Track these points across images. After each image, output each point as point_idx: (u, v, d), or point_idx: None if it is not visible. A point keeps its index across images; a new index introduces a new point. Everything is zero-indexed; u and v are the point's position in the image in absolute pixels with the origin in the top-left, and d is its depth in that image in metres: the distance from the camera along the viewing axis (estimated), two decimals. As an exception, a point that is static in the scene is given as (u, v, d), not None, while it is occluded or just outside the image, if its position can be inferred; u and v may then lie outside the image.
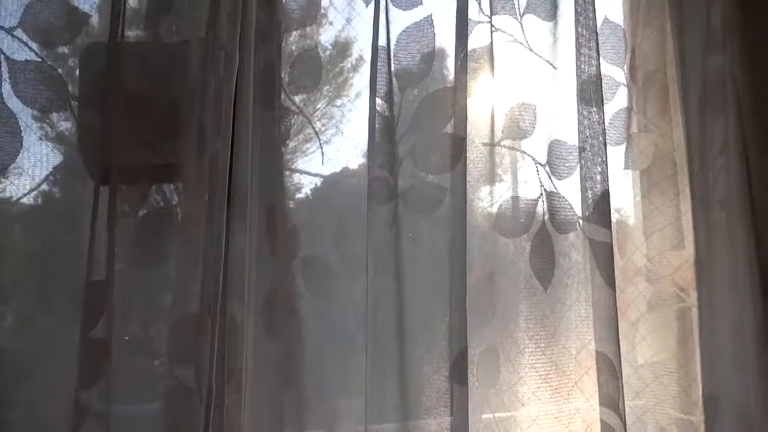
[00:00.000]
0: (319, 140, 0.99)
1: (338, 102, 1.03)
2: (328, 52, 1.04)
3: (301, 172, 1.00)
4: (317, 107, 1.01)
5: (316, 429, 0.89)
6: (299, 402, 0.88)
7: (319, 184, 1.01)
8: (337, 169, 1.03)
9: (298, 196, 1.01)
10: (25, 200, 0.86)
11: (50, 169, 0.87)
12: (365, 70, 0.98)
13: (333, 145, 1.01)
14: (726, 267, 1.08)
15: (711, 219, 1.10)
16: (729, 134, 1.11)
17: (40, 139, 0.87)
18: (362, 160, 1.00)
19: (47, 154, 0.87)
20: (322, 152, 1.00)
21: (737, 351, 1.06)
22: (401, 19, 0.98)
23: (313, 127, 0.98)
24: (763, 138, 1.10)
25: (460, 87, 0.96)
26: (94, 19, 0.91)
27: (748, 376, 1.05)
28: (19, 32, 0.86)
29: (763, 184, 1.10)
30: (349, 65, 1.05)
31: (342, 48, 1.05)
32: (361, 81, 1.01)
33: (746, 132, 1.11)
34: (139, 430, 0.83)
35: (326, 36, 1.04)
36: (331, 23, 1.03)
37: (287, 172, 0.97)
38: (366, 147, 0.95)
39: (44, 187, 0.87)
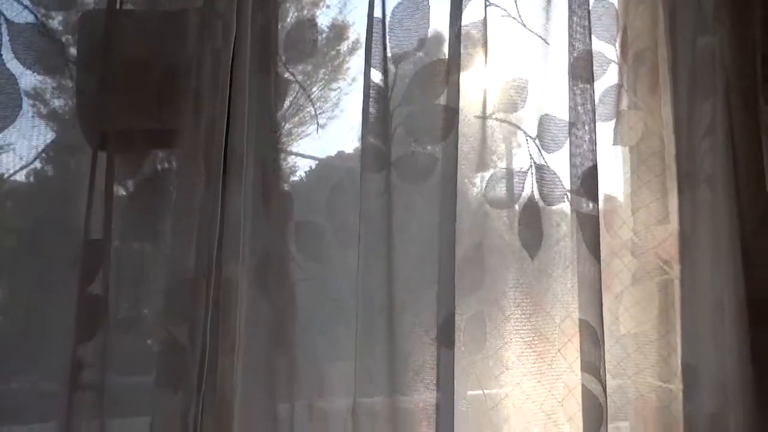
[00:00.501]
0: (317, 122, 1.01)
1: (334, 85, 1.05)
2: (324, 35, 1.05)
3: (297, 154, 1.03)
4: (313, 90, 1.03)
5: (306, 390, 0.92)
6: (290, 363, 0.91)
7: (314, 166, 1.04)
8: (332, 153, 1.05)
9: (293, 179, 1.03)
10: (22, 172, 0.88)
11: (47, 141, 0.89)
12: (362, 53, 0.99)
13: (328, 129, 1.03)
14: (710, 243, 1.11)
15: (697, 196, 1.13)
16: (716, 114, 1.13)
17: (34, 107, 0.88)
18: (358, 144, 1.00)
19: (42, 126, 0.89)
20: (318, 128, 1.01)
21: (716, 324, 1.10)
22: (396, -9, 0.99)
23: (309, 98, 0.99)
24: (748, 119, 1.13)
25: (453, 60, 0.98)
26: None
27: (726, 348, 1.09)
28: (19, -5, 0.87)
29: (747, 163, 1.13)
30: (345, 48, 1.07)
31: (339, 31, 1.06)
32: (357, 65, 1.02)
33: (732, 113, 1.14)
34: (133, 384, 0.86)
35: (323, 19, 1.05)
36: (328, 6, 1.05)
37: (283, 155, 0.99)
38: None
39: (43, 153, 0.89)
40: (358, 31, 1.04)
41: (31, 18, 0.87)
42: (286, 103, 1.01)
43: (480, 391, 1.00)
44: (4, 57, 0.84)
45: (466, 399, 0.99)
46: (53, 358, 0.82)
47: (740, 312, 1.09)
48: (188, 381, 0.83)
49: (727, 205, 1.11)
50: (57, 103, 0.89)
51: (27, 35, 0.87)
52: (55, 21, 0.89)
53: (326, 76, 1.05)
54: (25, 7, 0.87)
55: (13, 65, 0.85)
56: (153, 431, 0.83)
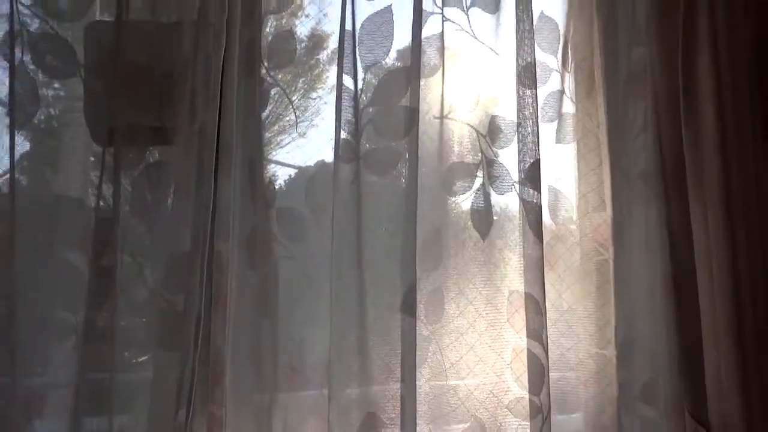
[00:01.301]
0: (297, 126, 1.14)
1: (314, 94, 1.16)
2: (303, 45, 1.16)
3: (277, 162, 1.14)
4: (293, 99, 1.15)
5: (287, 350, 1.05)
6: (273, 327, 1.04)
7: (293, 174, 1.14)
8: (312, 162, 1.15)
9: (278, 192, 1.12)
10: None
11: (62, 134, 1.01)
12: (340, 61, 1.10)
13: (308, 137, 1.14)
14: (643, 228, 1.26)
15: (631, 188, 1.29)
16: (647, 116, 1.30)
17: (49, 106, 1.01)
18: (342, 163, 1.08)
19: (57, 122, 1.02)
20: (294, 108, 1.13)
21: (649, 301, 1.25)
22: (366, 8, 1.14)
23: (286, 94, 1.12)
24: (673, 120, 1.29)
25: (414, 68, 1.13)
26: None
27: (657, 322, 1.24)
28: (36, 8, 1.00)
29: (672, 159, 1.29)
30: (324, 57, 1.17)
31: (318, 40, 1.16)
32: (336, 74, 1.10)
33: (660, 117, 1.30)
34: (137, 345, 0.98)
35: (303, 29, 1.15)
36: (307, 15, 1.16)
37: (270, 167, 1.11)
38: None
39: (59, 145, 1.02)
40: (336, 41, 1.13)
41: (47, 28, 1.00)
42: (266, 111, 1.14)
43: (440, 355, 1.14)
44: (25, 62, 0.97)
45: (427, 362, 1.13)
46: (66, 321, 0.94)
47: (667, 288, 1.25)
48: (184, 342, 0.96)
49: (657, 195, 1.27)
50: (69, 102, 1.01)
51: (44, 43, 1.00)
52: (68, 31, 1.02)
53: (305, 85, 1.17)
54: (42, 19, 1.00)
55: (33, 69, 0.97)
56: (154, 385, 0.95)
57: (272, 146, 1.14)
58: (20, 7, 0.98)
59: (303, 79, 1.17)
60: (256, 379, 1.02)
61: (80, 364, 0.93)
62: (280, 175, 1.14)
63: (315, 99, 1.16)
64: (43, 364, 0.93)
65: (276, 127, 1.14)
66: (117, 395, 0.96)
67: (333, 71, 1.15)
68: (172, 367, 0.94)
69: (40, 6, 1.00)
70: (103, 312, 0.94)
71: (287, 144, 1.13)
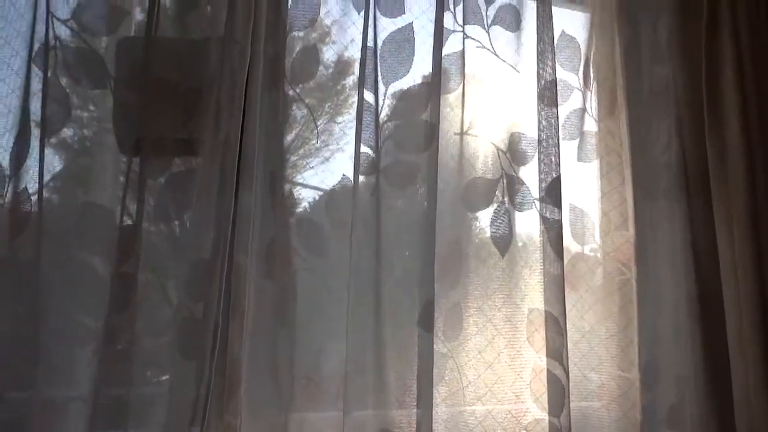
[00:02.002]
0: (318, 137, 1.15)
1: (339, 119, 1.18)
2: (330, 70, 1.18)
3: (302, 185, 1.15)
4: (318, 123, 1.16)
5: (304, 360, 1.05)
6: (290, 338, 1.04)
7: (318, 197, 1.15)
8: (336, 184, 1.14)
9: (298, 210, 1.13)
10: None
11: (90, 145, 1.05)
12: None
13: (333, 162, 1.15)
14: (668, 247, 1.25)
15: (655, 206, 1.28)
16: (671, 134, 1.29)
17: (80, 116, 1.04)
18: (362, 177, 1.10)
19: (87, 132, 1.05)
20: (316, 125, 1.14)
21: (674, 321, 1.23)
22: (387, 26, 1.16)
23: (312, 117, 1.14)
24: (697, 137, 1.28)
25: (434, 84, 1.14)
26: (133, 16, 1.09)
27: (682, 344, 1.22)
28: (72, 23, 1.04)
29: (696, 176, 1.28)
30: (351, 82, 1.18)
31: (344, 66, 1.18)
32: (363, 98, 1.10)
33: (684, 135, 1.29)
34: (157, 351, 0.99)
35: (329, 53, 1.17)
36: (334, 42, 1.18)
37: (288, 185, 1.11)
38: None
39: (86, 154, 1.05)
40: (360, 20, 1.13)
41: (80, 42, 1.04)
42: (292, 135, 1.16)
43: (457, 373, 1.12)
44: (58, 73, 1.01)
45: (444, 380, 1.11)
46: (88, 326, 0.96)
47: (692, 308, 1.22)
48: (202, 350, 0.97)
49: (681, 214, 1.26)
50: (98, 114, 1.04)
51: (77, 56, 1.03)
52: (101, 45, 1.05)
53: (332, 110, 1.19)
54: (76, 33, 1.03)
55: (65, 81, 1.01)
56: (172, 391, 0.96)
57: (298, 168, 1.14)
58: (56, 22, 1.02)
59: (329, 103, 1.18)
60: (273, 389, 1.02)
61: (99, 373, 0.94)
62: (305, 197, 1.15)
63: (341, 123, 1.17)
64: (64, 371, 0.94)
65: (302, 151, 1.15)
66: (134, 405, 0.96)
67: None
68: (189, 375, 0.95)
69: (75, 21, 1.04)
70: (123, 318, 0.95)
71: (313, 167, 1.14)
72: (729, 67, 1.27)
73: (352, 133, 1.13)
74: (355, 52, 1.17)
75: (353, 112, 1.14)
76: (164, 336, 0.98)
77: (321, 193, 1.15)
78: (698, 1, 1.32)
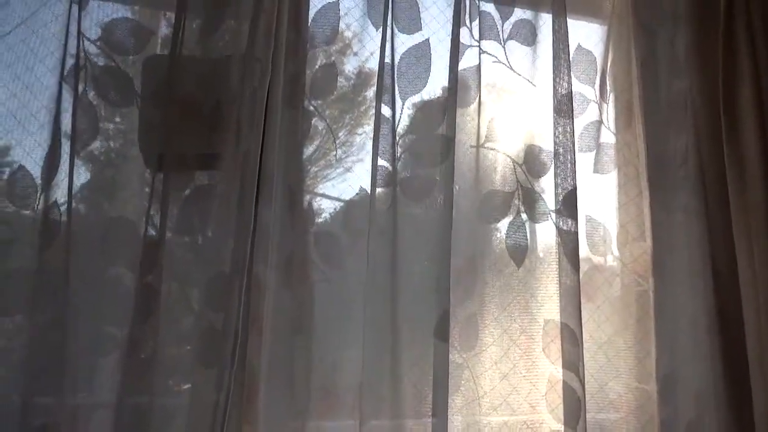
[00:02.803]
0: (333, 138, 1.17)
1: (360, 130, 1.20)
2: (351, 81, 1.21)
3: (323, 195, 1.18)
4: (339, 135, 1.19)
5: (321, 373, 1.07)
6: (307, 348, 1.06)
7: (338, 208, 1.17)
8: (355, 195, 1.16)
9: (318, 220, 1.15)
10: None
11: (116, 159, 1.09)
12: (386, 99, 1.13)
13: (354, 172, 1.17)
14: (686, 260, 1.25)
15: (672, 219, 1.28)
16: (689, 148, 1.29)
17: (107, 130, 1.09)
18: (379, 189, 1.12)
19: (113, 147, 1.09)
20: (335, 140, 1.17)
21: (692, 335, 1.22)
22: (404, 41, 1.19)
23: (330, 129, 1.17)
24: (716, 151, 1.28)
25: (451, 98, 1.16)
26: (158, 36, 1.13)
27: (700, 358, 1.21)
28: (100, 43, 1.08)
29: (715, 191, 1.27)
30: (371, 94, 1.20)
31: (365, 78, 1.21)
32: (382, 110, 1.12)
33: (701, 149, 1.29)
34: (178, 360, 1.02)
35: (350, 66, 1.20)
36: (355, 54, 1.22)
37: (308, 195, 1.14)
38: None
39: (112, 168, 1.09)
40: (378, 35, 1.16)
41: (109, 62, 1.08)
42: (313, 147, 1.18)
43: (473, 383, 1.13)
44: (88, 92, 1.05)
45: (460, 390, 1.12)
46: (112, 336, 0.99)
47: (711, 321, 1.21)
48: (221, 359, 0.99)
49: (699, 228, 1.25)
50: (126, 131, 1.09)
51: (106, 76, 1.08)
52: (128, 64, 1.10)
53: (352, 121, 1.21)
54: (106, 53, 1.08)
55: (94, 98, 1.05)
56: (192, 399, 0.99)
57: (318, 179, 1.17)
58: (86, 43, 1.07)
59: (349, 115, 1.21)
60: (290, 399, 1.04)
61: (123, 381, 0.97)
62: (325, 207, 1.17)
63: (361, 135, 1.20)
64: (89, 379, 0.98)
65: (323, 162, 1.18)
66: (156, 413, 0.99)
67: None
68: (209, 383, 0.97)
69: (104, 41, 1.09)
70: (146, 328, 0.98)
71: (333, 178, 1.16)
72: (746, 80, 1.27)
73: (371, 144, 1.15)
74: (374, 65, 1.19)
75: (373, 123, 1.16)
76: (186, 345, 1.01)
77: (341, 203, 1.17)
78: (715, 14, 1.32)
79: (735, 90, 1.29)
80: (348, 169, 1.18)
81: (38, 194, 1.03)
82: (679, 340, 1.23)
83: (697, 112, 1.31)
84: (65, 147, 1.03)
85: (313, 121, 1.18)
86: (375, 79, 1.18)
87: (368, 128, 1.19)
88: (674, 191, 1.28)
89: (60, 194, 1.03)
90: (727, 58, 1.28)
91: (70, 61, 1.05)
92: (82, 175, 1.05)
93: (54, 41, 1.08)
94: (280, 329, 1.05)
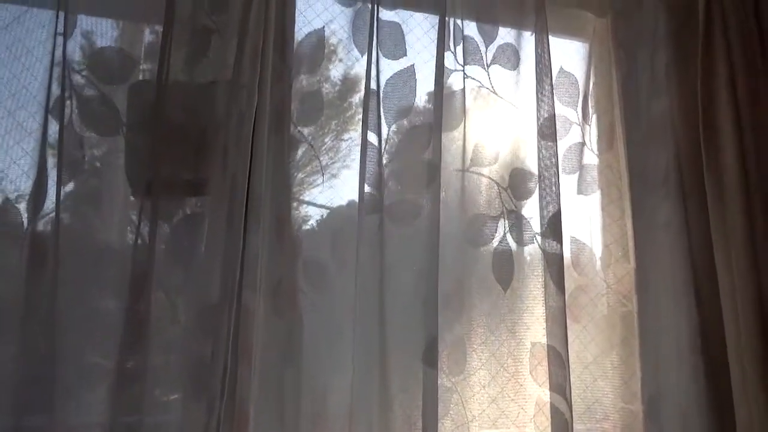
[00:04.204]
0: (323, 174, 1.18)
1: (345, 136, 1.20)
2: (337, 88, 1.21)
3: (309, 203, 1.18)
4: (325, 141, 1.19)
5: (310, 398, 1.07)
6: (296, 376, 1.06)
7: (325, 215, 1.17)
8: (344, 202, 1.18)
9: (305, 227, 1.16)
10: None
11: (103, 189, 1.08)
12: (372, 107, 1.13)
13: (340, 178, 1.17)
14: (669, 278, 1.27)
15: (655, 237, 1.29)
16: (669, 166, 1.31)
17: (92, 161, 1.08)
18: (365, 217, 1.12)
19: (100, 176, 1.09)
20: (320, 162, 1.17)
21: (676, 354, 1.24)
22: (389, 67, 1.20)
23: (318, 158, 1.17)
24: (696, 168, 1.30)
25: (435, 123, 1.17)
26: (144, 64, 1.13)
27: (684, 376, 1.22)
28: (86, 72, 1.08)
29: (694, 208, 1.29)
30: (357, 100, 1.21)
31: (351, 84, 1.21)
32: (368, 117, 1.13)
33: (682, 167, 1.31)
34: (167, 388, 1.02)
35: (336, 72, 1.20)
36: (340, 60, 1.21)
37: (295, 203, 1.15)
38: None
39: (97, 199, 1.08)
40: (364, 61, 1.16)
41: (94, 90, 1.08)
42: (299, 153, 1.18)
43: (462, 407, 1.14)
44: (74, 122, 1.05)
45: (449, 414, 1.13)
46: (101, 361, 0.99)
47: (694, 340, 1.23)
48: (211, 390, 0.99)
49: (681, 245, 1.27)
50: (112, 159, 1.08)
51: (91, 105, 1.07)
52: (114, 92, 1.09)
53: (338, 127, 1.20)
54: (92, 82, 1.08)
55: (80, 129, 1.05)
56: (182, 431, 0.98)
57: (304, 186, 1.17)
58: (72, 73, 1.06)
59: (335, 121, 1.21)
60: (280, 427, 1.04)
61: (112, 410, 0.97)
62: (312, 215, 1.17)
63: (347, 141, 1.20)
64: (75, 414, 0.97)
65: (309, 168, 1.18)
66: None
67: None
68: (199, 417, 0.97)
69: (90, 70, 1.08)
70: (135, 359, 0.98)
71: (318, 185, 1.17)
72: (724, 98, 1.29)
73: (358, 150, 1.16)
74: (360, 70, 1.20)
75: (360, 129, 1.16)
76: (174, 378, 1.00)
77: (328, 211, 1.17)
78: (693, 33, 1.35)
79: (713, 107, 1.31)
80: (335, 175, 1.18)
81: (25, 225, 1.02)
82: (664, 360, 1.24)
83: (677, 130, 1.33)
84: (52, 177, 1.03)
85: (300, 147, 1.18)
86: (360, 86, 1.19)
87: (354, 134, 1.19)
88: (656, 209, 1.30)
89: (47, 225, 1.02)
90: (705, 76, 1.31)
91: (55, 92, 1.05)
92: (69, 206, 1.04)
93: (39, 67, 1.07)
94: (269, 358, 1.05)
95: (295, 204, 1.15)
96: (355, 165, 1.15)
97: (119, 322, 0.99)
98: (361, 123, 1.16)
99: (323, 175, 1.18)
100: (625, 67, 1.36)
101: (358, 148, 1.15)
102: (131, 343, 0.98)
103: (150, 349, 0.99)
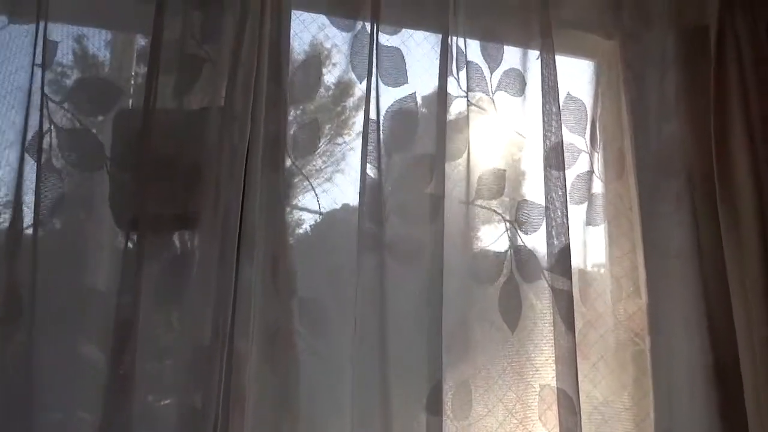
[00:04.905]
0: (315, 193, 1.13)
1: (340, 140, 1.15)
2: (331, 92, 1.16)
3: (302, 209, 1.12)
4: (319, 145, 1.12)
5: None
6: (292, 426, 1.00)
7: (318, 220, 1.11)
8: (338, 206, 1.13)
9: (299, 231, 1.11)
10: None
11: (86, 226, 1.02)
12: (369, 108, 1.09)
13: (334, 183, 1.12)
14: (682, 311, 1.21)
15: (667, 268, 1.24)
16: (681, 193, 1.26)
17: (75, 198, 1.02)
18: (365, 255, 1.06)
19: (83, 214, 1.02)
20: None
21: (689, 389, 1.18)
22: (389, 95, 1.14)
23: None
24: (709, 196, 1.25)
25: (438, 153, 1.11)
26: (129, 92, 1.07)
27: (698, 412, 1.17)
28: (67, 104, 1.02)
29: (709, 236, 1.24)
30: (351, 104, 1.16)
31: (345, 87, 1.16)
32: (362, 119, 1.10)
33: (694, 193, 1.26)
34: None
35: (330, 76, 1.15)
36: (334, 64, 1.16)
37: (288, 209, 1.09)
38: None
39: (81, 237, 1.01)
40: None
41: (75, 123, 1.02)
42: (295, 183, 1.12)
43: (467, 455, 1.08)
44: (52, 158, 0.98)
45: (454, 463, 1.07)
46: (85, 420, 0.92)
47: (709, 377, 1.18)
48: (202, 443, 0.92)
49: (694, 275, 1.22)
50: (95, 195, 1.02)
51: (71, 139, 1.01)
52: (96, 125, 1.03)
53: (332, 131, 1.15)
54: (72, 114, 1.01)
55: (60, 164, 0.98)
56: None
57: (298, 190, 1.11)
58: (51, 104, 1.00)
59: (329, 125, 1.15)
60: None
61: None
62: (306, 220, 1.12)
63: (341, 144, 1.15)
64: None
65: (304, 170, 1.12)
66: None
67: (359, 117, 1.13)
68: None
69: (70, 102, 1.02)
70: (121, 411, 0.91)
71: (312, 189, 1.11)
72: (738, 122, 1.25)
73: (352, 155, 1.11)
74: (355, 74, 1.15)
75: (353, 133, 1.13)
76: (164, 428, 0.94)
77: (321, 216, 1.12)
78: (706, 56, 1.30)
79: (726, 132, 1.26)
80: (328, 179, 1.12)
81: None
82: (677, 396, 1.19)
83: (689, 155, 1.28)
84: (28, 217, 0.96)
85: (295, 180, 1.12)
86: (354, 90, 1.15)
87: (348, 138, 1.15)
88: (668, 238, 1.25)
89: (23, 267, 0.96)
90: (718, 100, 1.26)
91: (33, 127, 0.98)
92: (48, 248, 0.97)
93: (15, 98, 1.01)
94: (264, 405, 0.99)
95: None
96: (350, 169, 1.11)
97: (102, 374, 0.92)
98: (357, 122, 1.11)
99: (323, 171, 1.11)
100: (634, 90, 1.31)
101: (353, 152, 1.10)
102: (117, 396, 0.92)
103: (134, 402, 0.92)
